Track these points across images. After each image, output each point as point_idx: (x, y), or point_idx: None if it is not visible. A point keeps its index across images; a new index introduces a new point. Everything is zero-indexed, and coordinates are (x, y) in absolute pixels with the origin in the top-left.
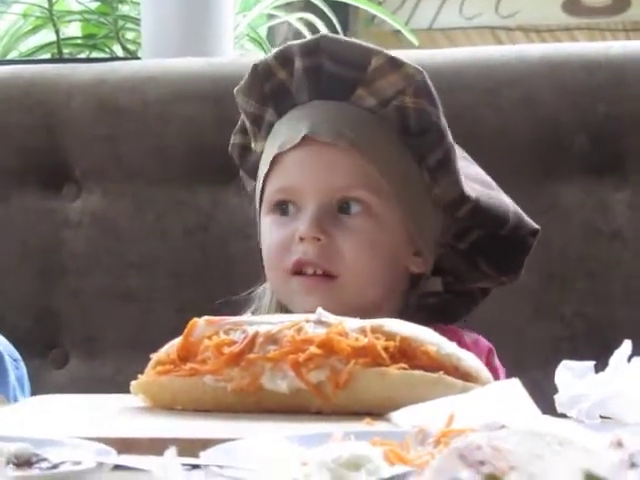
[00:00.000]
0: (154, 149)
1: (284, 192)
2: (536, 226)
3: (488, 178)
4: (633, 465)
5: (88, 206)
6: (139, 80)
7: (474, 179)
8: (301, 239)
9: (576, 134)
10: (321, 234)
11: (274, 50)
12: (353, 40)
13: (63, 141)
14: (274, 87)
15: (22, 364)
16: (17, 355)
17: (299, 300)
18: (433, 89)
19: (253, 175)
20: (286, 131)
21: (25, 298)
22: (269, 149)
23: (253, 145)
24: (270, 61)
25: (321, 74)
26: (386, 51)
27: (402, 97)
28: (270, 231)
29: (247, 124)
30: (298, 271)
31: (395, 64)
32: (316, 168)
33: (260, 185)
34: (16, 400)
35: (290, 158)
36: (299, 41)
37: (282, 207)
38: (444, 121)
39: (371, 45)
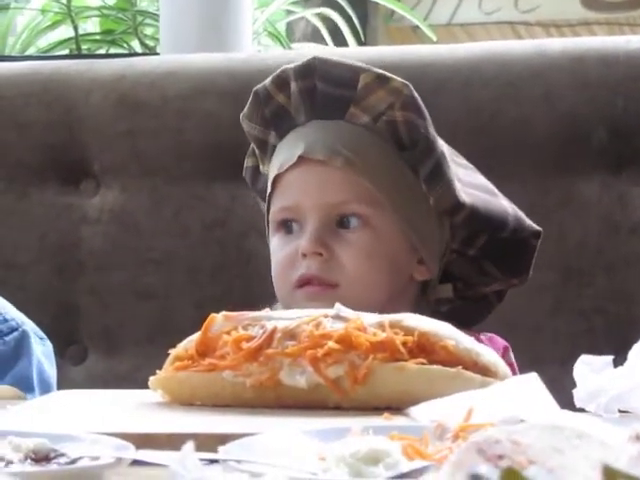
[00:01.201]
0: (173, 145)
1: (286, 211)
2: (537, 228)
3: (490, 186)
4: None
5: (107, 202)
6: (158, 76)
7: (474, 186)
8: (304, 255)
9: (595, 128)
10: (322, 249)
11: (271, 75)
12: (342, 60)
13: (82, 137)
14: (274, 111)
15: (48, 342)
16: (42, 334)
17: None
18: (420, 101)
19: (264, 197)
20: (284, 152)
21: (43, 294)
22: (271, 171)
23: (261, 168)
24: (268, 86)
25: (316, 95)
26: (374, 68)
27: (391, 112)
28: (276, 250)
29: (255, 148)
30: (302, 285)
31: (382, 80)
32: (312, 186)
33: (266, 206)
34: (42, 374)
35: (288, 178)
36: (293, 64)
37: (286, 225)
38: (432, 132)
39: (359, 63)
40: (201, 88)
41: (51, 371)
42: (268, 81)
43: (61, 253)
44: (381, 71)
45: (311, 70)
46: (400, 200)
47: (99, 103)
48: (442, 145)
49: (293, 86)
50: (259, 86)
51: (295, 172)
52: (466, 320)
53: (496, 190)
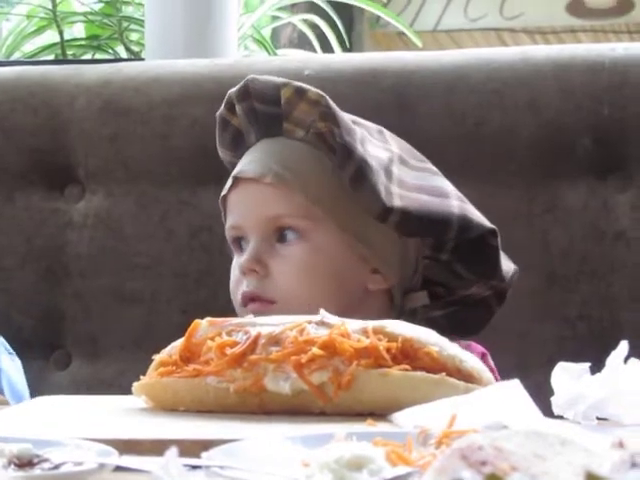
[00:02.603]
0: (158, 150)
1: (232, 230)
2: (490, 226)
3: (444, 188)
4: (634, 465)
5: (92, 207)
6: (144, 81)
7: (419, 189)
8: (242, 273)
9: (580, 135)
10: (257, 266)
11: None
12: (268, 77)
13: (67, 142)
14: (232, 134)
15: (17, 358)
16: (11, 349)
17: None
18: (336, 110)
19: None
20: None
21: (28, 299)
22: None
23: None
24: (222, 111)
25: (256, 115)
26: (292, 82)
27: (315, 124)
28: (231, 268)
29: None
30: (246, 302)
31: (300, 93)
32: (248, 204)
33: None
34: (13, 386)
35: (230, 199)
36: (235, 87)
37: (238, 244)
38: (350, 139)
39: (279, 79)
40: (187, 93)
41: (22, 385)
42: (222, 106)
43: (46, 258)
44: (298, 84)
45: (248, 91)
46: (339, 211)
47: (85, 108)
48: (370, 152)
49: (238, 108)
50: (218, 112)
51: (233, 192)
52: (467, 326)
53: (450, 191)
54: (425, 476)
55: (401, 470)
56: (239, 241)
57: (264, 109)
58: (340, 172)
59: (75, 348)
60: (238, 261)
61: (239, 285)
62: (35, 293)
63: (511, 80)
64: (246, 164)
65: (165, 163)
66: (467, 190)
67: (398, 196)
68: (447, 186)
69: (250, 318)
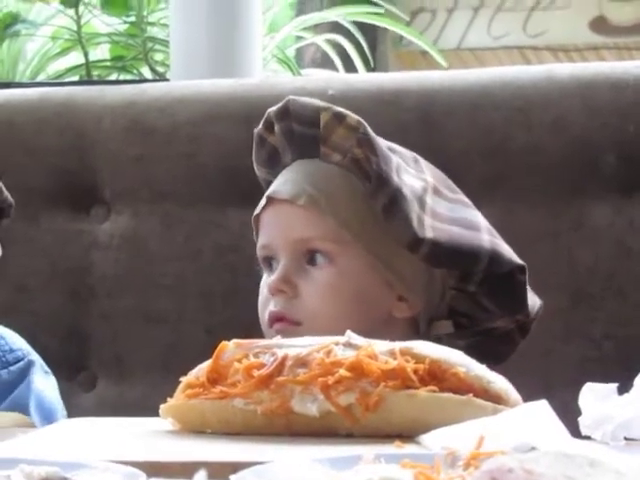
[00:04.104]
0: (184, 170)
1: (264, 249)
2: (520, 262)
3: (475, 220)
4: None
5: (117, 227)
6: (168, 102)
7: (451, 220)
8: (271, 293)
9: (605, 153)
10: (286, 287)
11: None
12: (309, 100)
13: (93, 163)
14: (269, 152)
15: (52, 377)
16: (48, 369)
17: None
18: (373, 138)
19: None
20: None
21: (54, 320)
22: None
23: None
24: (259, 129)
25: (294, 136)
26: (333, 107)
27: (352, 149)
28: (260, 288)
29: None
30: (273, 322)
31: (339, 118)
32: (280, 225)
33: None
34: (42, 404)
35: (263, 218)
36: (275, 106)
37: (268, 263)
38: (386, 167)
39: (320, 102)
40: (212, 113)
41: (55, 404)
42: (260, 124)
43: (72, 278)
44: (338, 109)
45: (287, 111)
46: (368, 237)
47: (110, 129)
48: (405, 181)
49: (276, 128)
50: (256, 129)
51: (266, 212)
52: (491, 356)
53: (482, 224)
54: None
55: None
56: (269, 260)
57: (302, 130)
58: (373, 199)
59: (101, 369)
60: (267, 281)
61: (267, 305)
62: (60, 314)
63: (536, 98)
64: (281, 184)
65: (190, 183)
66: (492, 209)
67: (430, 227)
68: (479, 219)
69: (277, 340)
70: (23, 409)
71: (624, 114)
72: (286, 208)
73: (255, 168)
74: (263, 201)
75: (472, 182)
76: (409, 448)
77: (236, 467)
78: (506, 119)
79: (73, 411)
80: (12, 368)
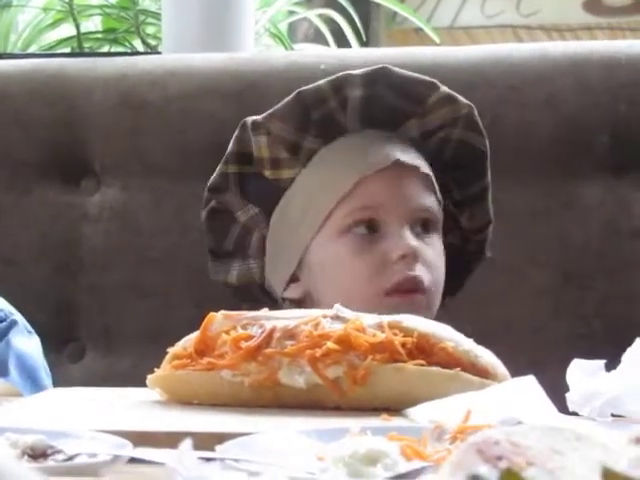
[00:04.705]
0: (174, 144)
1: (370, 211)
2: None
3: None
4: None
5: (107, 200)
6: (160, 75)
7: None
8: (403, 257)
9: (597, 132)
10: (419, 251)
11: (327, 78)
12: (414, 74)
13: (83, 135)
14: (323, 114)
15: (36, 336)
16: (31, 329)
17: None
18: (481, 124)
19: (257, 201)
20: (366, 156)
21: (43, 292)
22: (339, 173)
23: (267, 173)
24: (324, 88)
25: (378, 104)
26: (444, 87)
27: (449, 129)
28: (348, 253)
29: (267, 150)
30: (398, 290)
31: (450, 99)
32: (405, 190)
33: (327, 208)
34: (24, 362)
35: (377, 180)
36: (359, 70)
37: (368, 226)
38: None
39: (431, 79)
40: (203, 88)
41: (38, 362)
42: (324, 83)
43: (61, 251)
44: (449, 90)
45: (379, 78)
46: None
47: (101, 102)
48: None
49: (356, 92)
50: (306, 87)
51: (385, 175)
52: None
53: None
54: (441, 471)
55: (416, 465)
56: (368, 224)
57: (394, 101)
58: (460, 184)
59: (89, 341)
60: (377, 247)
61: (382, 272)
62: (50, 286)
63: (529, 76)
64: (397, 152)
65: (181, 157)
66: None
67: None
68: None
69: (265, 312)
70: (2, 367)
71: (616, 93)
72: (409, 174)
73: (275, 126)
74: (384, 162)
75: None
76: (396, 421)
77: (222, 438)
78: (498, 97)
79: (61, 382)
80: None
